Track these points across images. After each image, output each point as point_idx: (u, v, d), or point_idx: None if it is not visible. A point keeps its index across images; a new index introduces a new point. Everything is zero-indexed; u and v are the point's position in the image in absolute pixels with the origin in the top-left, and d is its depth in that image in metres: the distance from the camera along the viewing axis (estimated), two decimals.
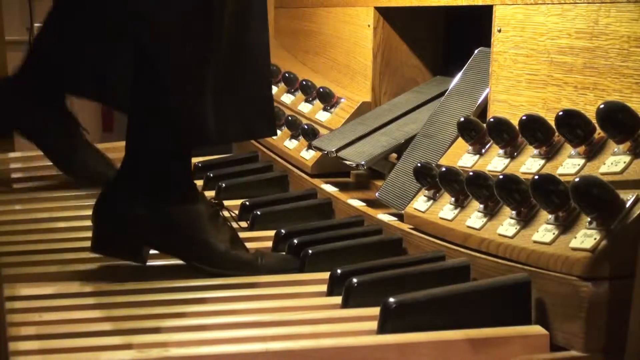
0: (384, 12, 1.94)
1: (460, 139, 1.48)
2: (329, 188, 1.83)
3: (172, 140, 1.39)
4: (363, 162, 1.67)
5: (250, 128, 1.47)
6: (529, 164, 1.30)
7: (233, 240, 1.44)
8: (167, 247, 1.42)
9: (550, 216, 1.17)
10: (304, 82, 2.12)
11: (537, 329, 1.12)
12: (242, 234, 1.64)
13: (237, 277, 1.39)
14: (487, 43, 1.53)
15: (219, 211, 1.47)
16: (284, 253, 1.49)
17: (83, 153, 1.95)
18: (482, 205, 1.32)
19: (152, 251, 1.46)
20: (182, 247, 1.41)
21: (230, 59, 1.39)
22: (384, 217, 1.59)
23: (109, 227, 1.40)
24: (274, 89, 2.24)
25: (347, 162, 1.72)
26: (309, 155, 1.95)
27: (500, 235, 1.25)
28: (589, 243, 1.09)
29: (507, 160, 1.35)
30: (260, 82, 1.46)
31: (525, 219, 1.22)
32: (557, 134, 1.27)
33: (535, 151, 1.30)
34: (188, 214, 1.40)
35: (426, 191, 1.47)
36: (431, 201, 1.45)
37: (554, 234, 1.15)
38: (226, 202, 1.82)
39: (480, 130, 1.43)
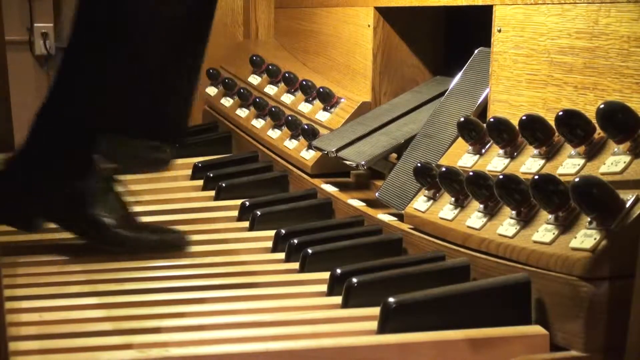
0: (384, 12, 1.94)
1: (460, 139, 1.48)
2: (329, 188, 1.83)
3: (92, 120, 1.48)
4: (363, 162, 1.67)
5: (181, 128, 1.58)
6: (529, 164, 1.30)
7: (123, 216, 1.53)
8: (56, 219, 1.52)
9: (550, 216, 1.17)
10: (304, 82, 2.12)
11: (537, 329, 1.12)
12: (243, 234, 1.65)
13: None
14: (487, 43, 1.53)
15: (112, 187, 1.54)
16: (176, 231, 1.58)
17: None
18: (482, 205, 1.32)
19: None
20: (70, 220, 1.51)
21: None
22: (384, 217, 1.59)
23: (7, 197, 1.51)
24: (274, 89, 2.24)
25: (347, 162, 1.72)
26: (309, 155, 1.95)
27: (500, 235, 1.25)
28: (589, 243, 1.09)
29: (507, 160, 1.35)
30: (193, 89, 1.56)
31: (525, 219, 1.22)
32: (557, 134, 1.27)
33: (535, 151, 1.30)
34: (80, 189, 1.49)
35: (426, 191, 1.47)
36: (431, 201, 1.45)
37: (554, 234, 1.15)
38: (226, 202, 1.83)
39: (480, 130, 1.43)
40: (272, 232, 1.58)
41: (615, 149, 1.16)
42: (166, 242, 1.54)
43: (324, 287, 1.31)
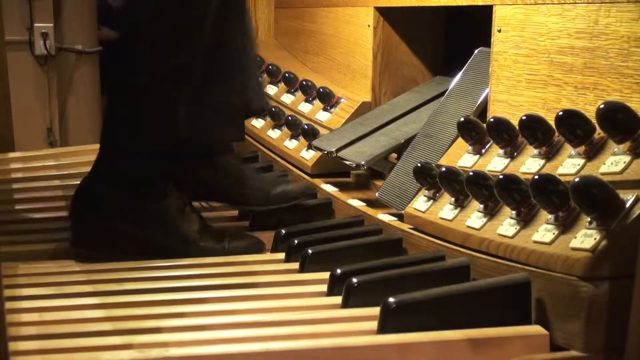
0: (384, 12, 1.94)
1: (460, 139, 1.48)
2: (329, 188, 1.83)
3: (149, 142, 1.50)
4: (363, 162, 1.67)
5: (219, 135, 1.59)
6: (529, 164, 1.30)
7: (201, 228, 1.55)
8: (142, 240, 1.51)
9: (550, 216, 1.17)
10: (304, 82, 2.12)
11: (537, 329, 1.12)
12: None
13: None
14: (487, 43, 1.53)
15: (186, 202, 1.56)
16: (253, 236, 1.60)
17: None
18: (482, 205, 1.32)
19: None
20: (155, 240, 1.51)
21: (206, 70, 1.49)
22: (384, 217, 1.59)
23: (89, 224, 1.50)
24: (275, 89, 2.25)
25: (347, 162, 1.72)
26: (309, 155, 1.95)
27: (500, 235, 1.25)
28: (589, 243, 1.09)
29: (507, 160, 1.35)
30: (231, 91, 1.55)
31: (525, 219, 1.22)
32: (557, 134, 1.27)
33: (535, 151, 1.30)
34: (159, 209, 1.51)
35: (426, 191, 1.47)
36: (431, 201, 1.45)
37: (554, 234, 1.15)
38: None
39: (480, 130, 1.43)
40: (272, 232, 1.58)
41: (615, 149, 1.16)
42: (249, 249, 1.56)
43: (324, 287, 1.31)
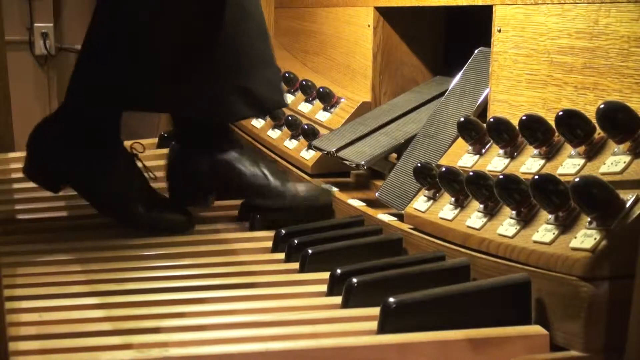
0: (384, 12, 1.94)
1: (460, 139, 1.48)
2: (329, 188, 1.82)
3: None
4: (363, 162, 1.67)
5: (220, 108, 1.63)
6: (529, 164, 1.30)
7: (141, 189, 1.63)
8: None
9: (550, 216, 1.17)
10: (304, 82, 2.12)
11: (537, 329, 1.12)
12: (242, 235, 1.65)
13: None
14: (487, 43, 1.54)
15: (134, 162, 1.65)
16: (188, 212, 1.68)
17: None
18: (482, 205, 1.32)
19: (154, 252, 1.50)
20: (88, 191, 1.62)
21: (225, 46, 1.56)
22: (384, 217, 1.59)
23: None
24: None
25: (347, 162, 1.72)
26: (309, 155, 1.95)
27: (500, 235, 1.25)
28: (589, 243, 1.09)
29: (507, 160, 1.35)
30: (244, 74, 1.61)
31: (525, 219, 1.22)
32: (557, 134, 1.27)
33: (535, 151, 1.30)
34: (111, 164, 1.60)
35: (426, 191, 1.47)
36: (431, 201, 1.45)
37: (554, 234, 1.15)
38: (226, 202, 1.83)
39: (480, 130, 1.43)
40: (272, 232, 1.58)
41: (615, 149, 1.16)
42: (173, 224, 1.62)
43: (324, 287, 1.31)
